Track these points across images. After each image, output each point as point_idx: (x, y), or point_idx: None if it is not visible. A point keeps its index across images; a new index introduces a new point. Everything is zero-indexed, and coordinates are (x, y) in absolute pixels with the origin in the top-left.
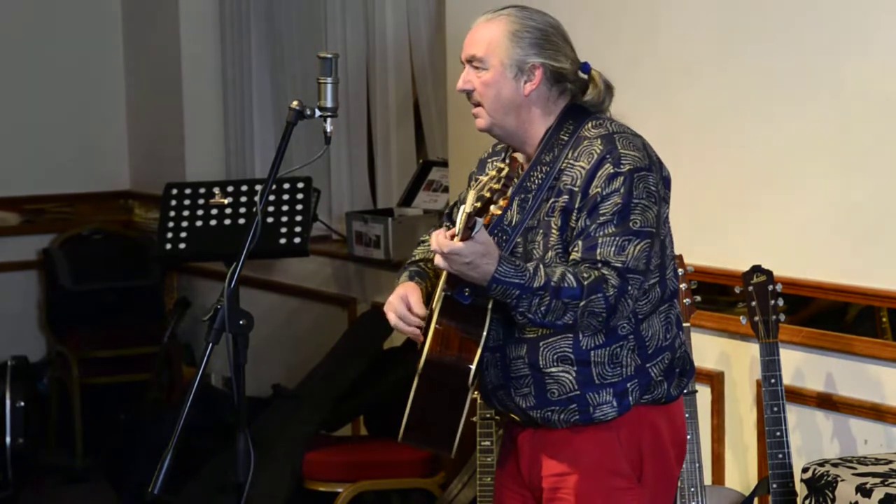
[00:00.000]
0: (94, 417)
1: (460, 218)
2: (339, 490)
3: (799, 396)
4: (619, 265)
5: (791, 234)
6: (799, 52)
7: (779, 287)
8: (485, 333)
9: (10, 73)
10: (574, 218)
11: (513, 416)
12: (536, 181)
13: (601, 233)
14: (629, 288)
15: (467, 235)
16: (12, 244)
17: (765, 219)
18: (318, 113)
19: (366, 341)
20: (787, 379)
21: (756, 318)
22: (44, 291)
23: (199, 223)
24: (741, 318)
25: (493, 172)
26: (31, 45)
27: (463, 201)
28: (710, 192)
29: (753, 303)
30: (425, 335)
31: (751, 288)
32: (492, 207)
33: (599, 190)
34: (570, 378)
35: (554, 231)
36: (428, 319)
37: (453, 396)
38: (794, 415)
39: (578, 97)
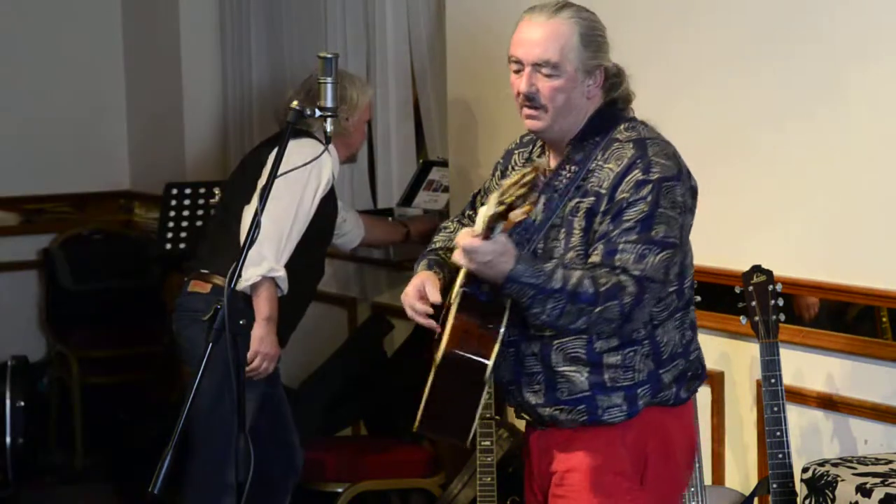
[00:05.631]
0: (94, 417)
1: (481, 218)
2: (339, 490)
3: (799, 396)
4: (638, 273)
5: (791, 234)
6: (802, 57)
7: (779, 287)
8: (503, 330)
9: (10, 73)
10: (598, 221)
11: (524, 414)
12: (564, 180)
13: (623, 239)
14: (646, 297)
15: (487, 236)
16: (12, 244)
17: (765, 218)
18: (318, 113)
19: (368, 346)
20: (787, 379)
21: (756, 318)
22: (44, 291)
23: (199, 223)
24: (741, 318)
25: (518, 176)
26: (32, 45)
27: (488, 191)
28: (710, 192)
29: (753, 303)
30: (443, 327)
31: (751, 288)
32: (512, 214)
33: (626, 195)
34: (582, 378)
35: (577, 231)
36: (446, 312)
37: (469, 390)
38: (794, 415)
39: (612, 91)
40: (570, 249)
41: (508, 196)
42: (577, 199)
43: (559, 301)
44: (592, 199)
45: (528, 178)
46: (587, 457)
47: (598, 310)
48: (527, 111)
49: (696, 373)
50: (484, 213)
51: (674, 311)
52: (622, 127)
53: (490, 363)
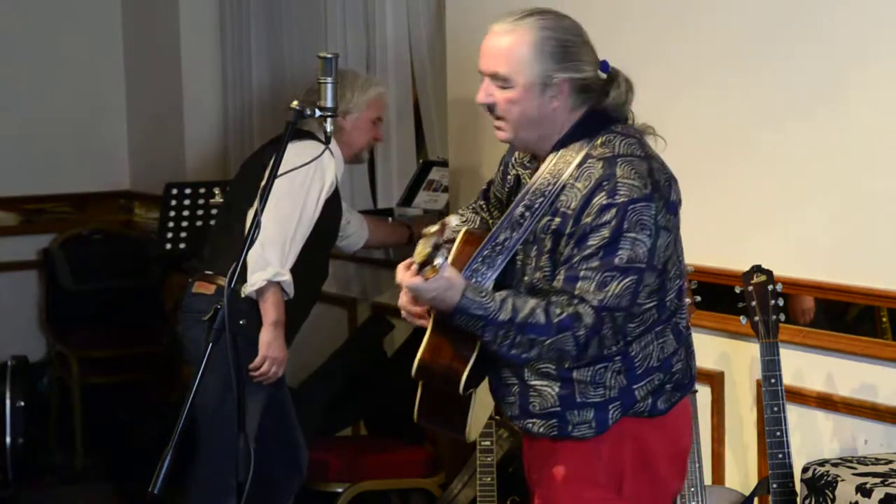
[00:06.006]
0: (94, 417)
1: (415, 260)
2: (339, 490)
3: (799, 396)
4: (597, 303)
5: (791, 234)
6: (802, 57)
7: (779, 287)
8: (477, 346)
9: (10, 73)
10: (563, 243)
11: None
12: (538, 195)
13: (584, 266)
14: (603, 328)
15: (426, 276)
16: (12, 244)
17: (765, 218)
18: (318, 113)
19: (368, 346)
20: (787, 379)
21: (756, 318)
22: (44, 291)
23: (199, 223)
24: (741, 318)
25: (429, 231)
26: (32, 45)
27: (492, 182)
28: (710, 192)
29: (753, 303)
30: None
31: (751, 288)
32: (425, 269)
33: (590, 220)
34: (553, 393)
35: (545, 251)
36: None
37: (454, 397)
38: (794, 415)
39: (601, 100)
40: (538, 269)
41: (425, 248)
42: (547, 217)
43: (509, 332)
44: (560, 219)
45: (432, 237)
46: (561, 469)
47: (549, 341)
48: (493, 122)
49: (679, 384)
50: (416, 253)
51: (652, 325)
52: (599, 141)
53: (462, 379)
